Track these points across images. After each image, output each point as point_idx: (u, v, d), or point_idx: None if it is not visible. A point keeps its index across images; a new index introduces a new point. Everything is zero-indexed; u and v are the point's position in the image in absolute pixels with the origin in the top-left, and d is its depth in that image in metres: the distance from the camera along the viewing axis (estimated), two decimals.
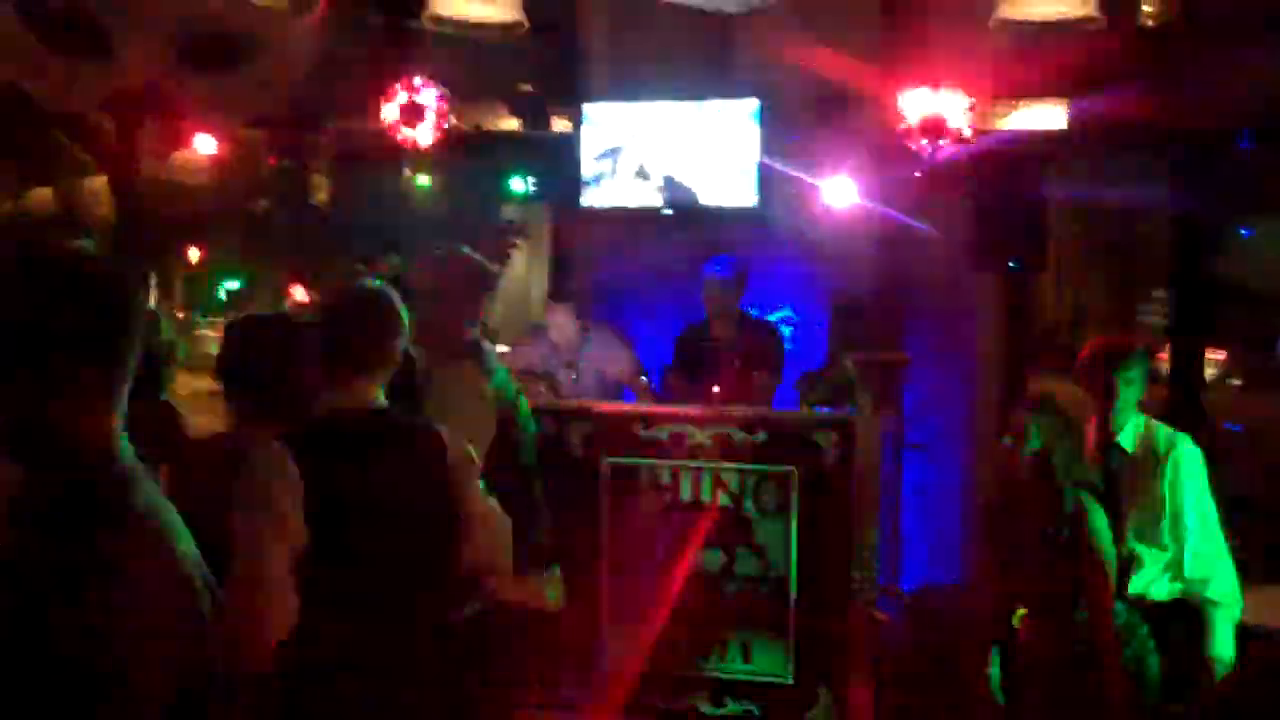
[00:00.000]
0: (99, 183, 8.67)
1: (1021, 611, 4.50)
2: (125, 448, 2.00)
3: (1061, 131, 6.66)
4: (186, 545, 2.01)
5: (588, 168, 7.47)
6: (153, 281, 8.83)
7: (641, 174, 7.42)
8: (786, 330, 7.47)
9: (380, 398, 3.21)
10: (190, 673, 1.92)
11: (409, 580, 3.11)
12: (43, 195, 9.21)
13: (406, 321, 3.29)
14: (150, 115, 7.72)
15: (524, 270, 8.66)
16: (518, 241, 8.35)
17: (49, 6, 6.96)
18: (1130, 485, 4.67)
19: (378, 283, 3.38)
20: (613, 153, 7.47)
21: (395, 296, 3.29)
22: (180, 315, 8.86)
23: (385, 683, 3.05)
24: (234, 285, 9.74)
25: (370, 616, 3.04)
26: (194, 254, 9.56)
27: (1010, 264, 6.78)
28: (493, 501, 3.37)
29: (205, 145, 8.25)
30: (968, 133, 6.50)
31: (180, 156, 9.45)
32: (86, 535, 1.87)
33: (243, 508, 2.95)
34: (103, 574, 1.84)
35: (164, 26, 7.15)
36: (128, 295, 2.02)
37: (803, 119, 7.24)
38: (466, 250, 4.51)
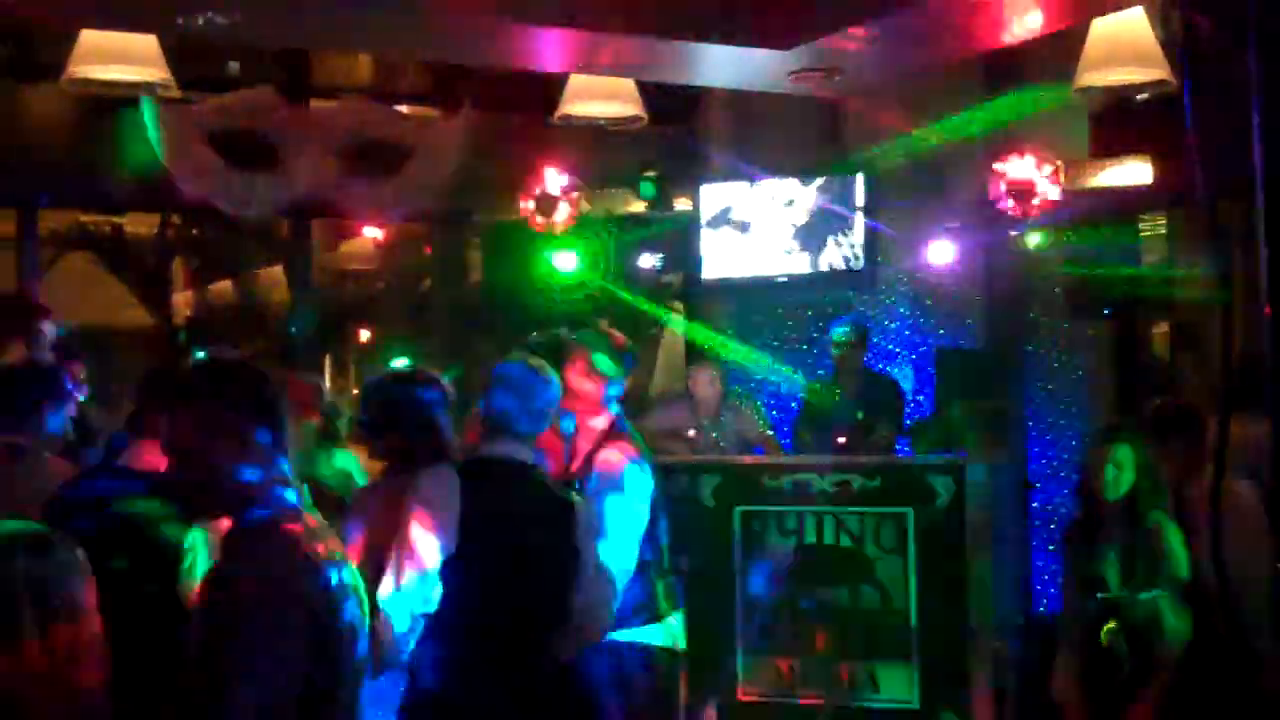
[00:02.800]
0: (276, 273, 9.56)
1: (1111, 624, 4.89)
2: (290, 494, 2.65)
3: (1149, 187, 7.07)
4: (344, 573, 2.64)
5: (707, 243, 8.07)
6: (327, 361, 9.73)
7: (757, 246, 7.99)
8: (907, 381, 8.01)
9: (529, 455, 3.85)
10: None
11: (524, 604, 3.72)
12: (223, 288, 10.15)
13: (557, 393, 3.93)
14: (318, 217, 8.58)
15: (678, 335, 9.28)
16: (677, 306, 8.99)
17: (231, 131, 7.81)
18: None
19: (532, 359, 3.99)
20: (729, 228, 8.05)
21: (548, 371, 3.92)
22: (355, 392, 9.63)
23: (491, 688, 3.65)
24: (403, 362, 10.50)
25: (488, 629, 3.66)
26: (365, 334, 10.37)
27: (1105, 312, 7.23)
28: (609, 564, 3.99)
29: (373, 233, 9.09)
30: (1055, 194, 6.98)
31: (349, 245, 10.37)
32: (260, 560, 2.52)
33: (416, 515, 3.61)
34: (265, 584, 2.48)
35: (327, 140, 7.96)
36: (274, 389, 2.71)
37: (907, 186, 7.78)
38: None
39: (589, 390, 4.57)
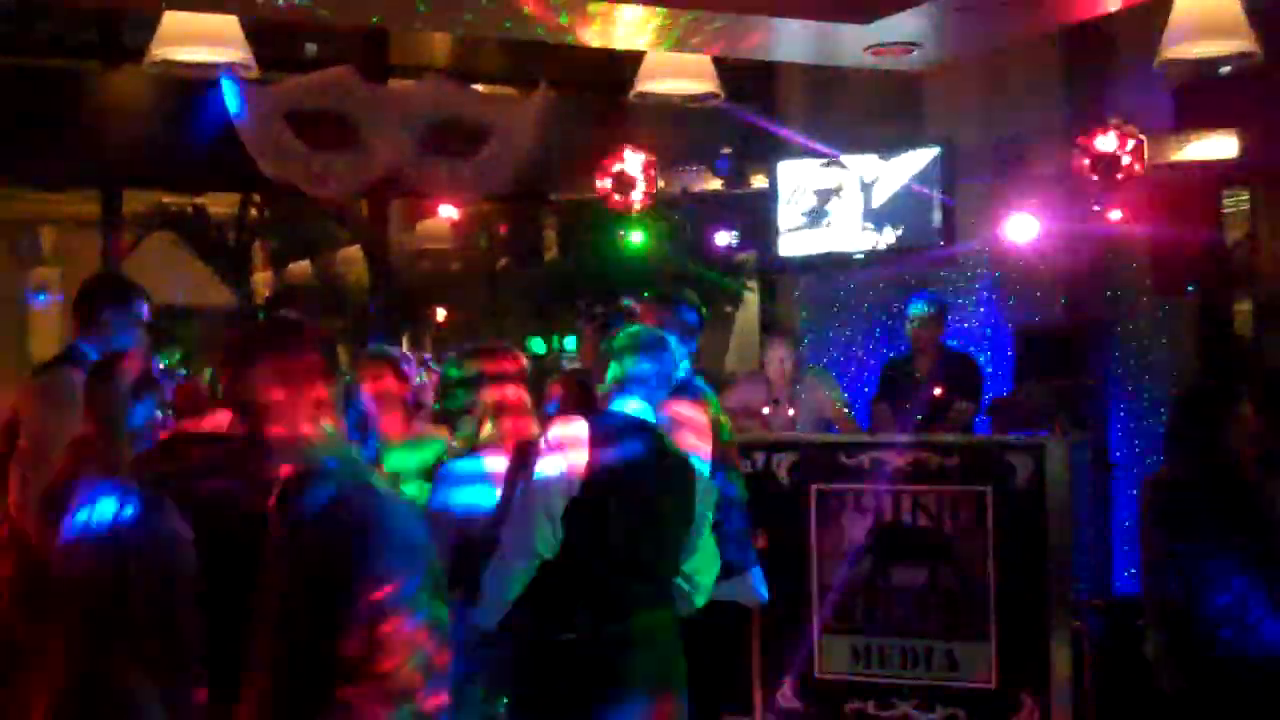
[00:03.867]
0: (353, 253, 9.65)
1: None
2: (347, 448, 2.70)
3: (1234, 160, 6.96)
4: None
5: (784, 220, 8.03)
6: (405, 338, 9.81)
7: (834, 222, 7.95)
8: (985, 359, 7.94)
9: (653, 416, 3.87)
10: None
11: (644, 562, 3.75)
12: (301, 267, 10.27)
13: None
14: (396, 196, 8.65)
15: (755, 311, 9.27)
16: (750, 284, 8.98)
17: (310, 111, 7.88)
18: None
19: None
20: (804, 204, 8.02)
21: (669, 342, 3.97)
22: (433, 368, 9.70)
23: (624, 645, 3.66)
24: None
25: (616, 587, 3.69)
26: (441, 313, 10.45)
27: (1189, 288, 7.12)
28: (708, 531, 4.00)
29: (449, 212, 9.14)
30: (1138, 168, 6.88)
31: (425, 225, 10.44)
32: (308, 506, 2.57)
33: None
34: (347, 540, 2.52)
35: (406, 119, 8.02)
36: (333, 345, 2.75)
37: (986, 161, 7.71)
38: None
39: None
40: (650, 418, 3.86)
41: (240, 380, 2.68)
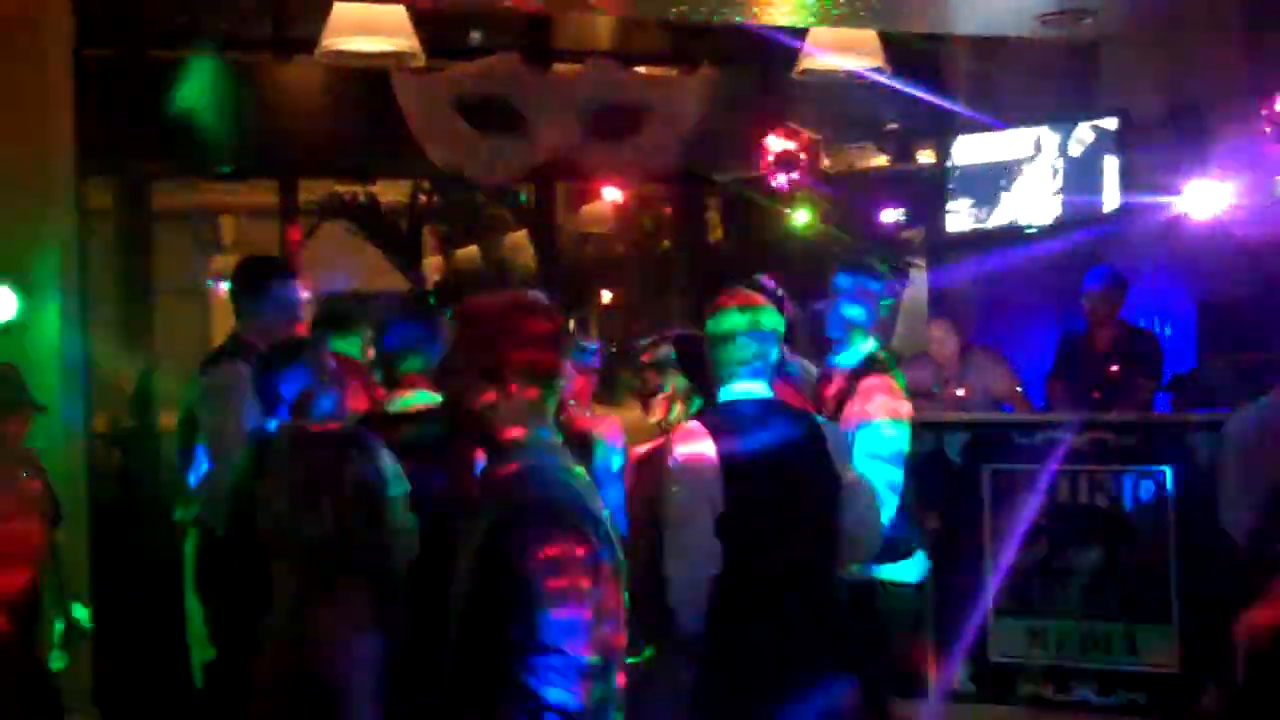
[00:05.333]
0: (520, 237, 9.75)
1: None
2: (547, 437, 2.69)
3: None
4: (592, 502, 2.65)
5: (953, 195, 7.88)
6: (571, 323, 9.88)
7: (1005, 196, 7.78)
8: (1169, 335, 7.69)
9: (765, 390, 3.84)
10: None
11: (806, 535, 3.72)
12: (469, 253, 10.41)
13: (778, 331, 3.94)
14: (561, 180, 8.72)
15: (924, 290, 9.13)
16: (916, 262, 8.86)
17: (477, 98, 7.99)
18: None
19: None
20: (975, 179, 7.85)
21: (776, 313, 3.94)
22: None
23: (794, 626, 3.65)
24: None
25: (778, 566, 3.66)
26: (606, 295, 10.49)
27: None
28: (866, 478, 3.97)
29: (613, 195, 9.17)
30: None
31: (590, 209, 10.51)
32: (516, 495, 2.57)
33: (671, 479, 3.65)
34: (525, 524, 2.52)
35: (570, 103, 8.08)
36: (562, 326, 2.75)
37: (1165, 131, 7.45)
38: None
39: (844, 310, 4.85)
40: (764, 394, 3.80)
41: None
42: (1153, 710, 6.03)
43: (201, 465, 4.65)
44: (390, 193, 8.96)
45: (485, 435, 2.69)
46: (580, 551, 2.48)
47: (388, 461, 4.09)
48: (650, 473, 3.95)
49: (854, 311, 4.88)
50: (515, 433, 2.65)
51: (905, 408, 4.69)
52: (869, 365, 4.77)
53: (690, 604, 3.58)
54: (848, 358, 4.90)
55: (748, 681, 3.59)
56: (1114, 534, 6.15)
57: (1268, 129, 6.83)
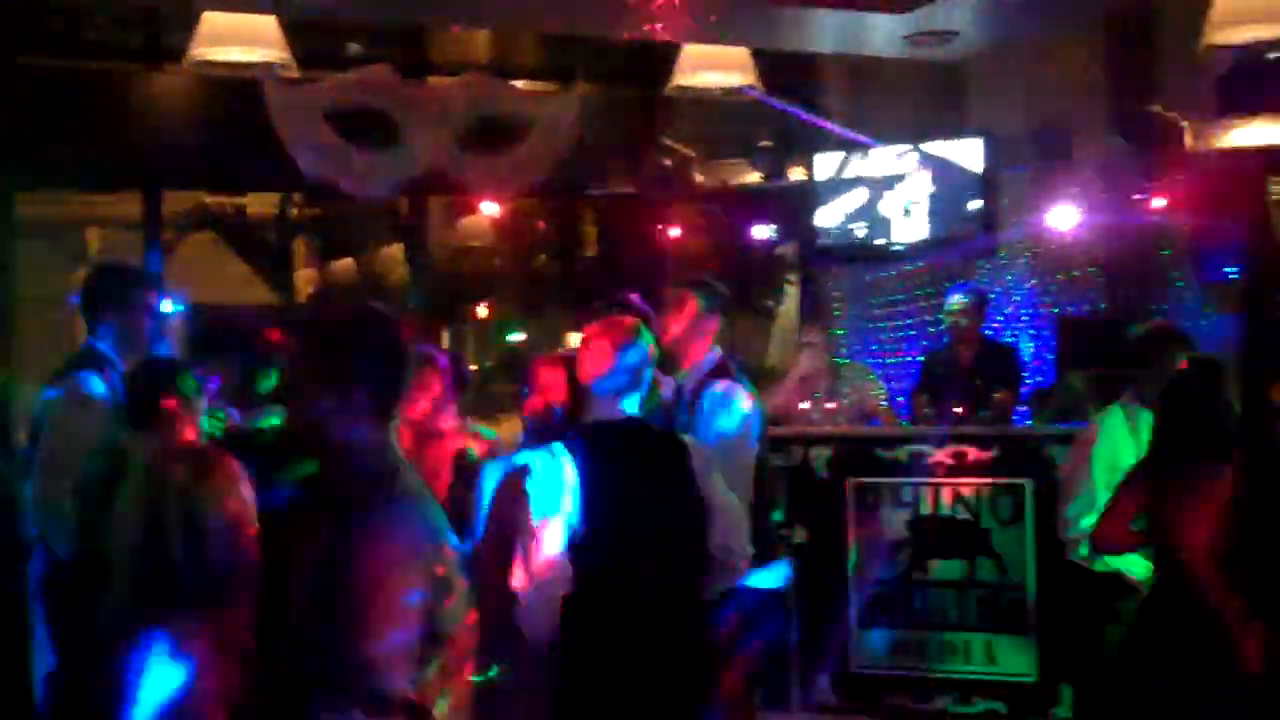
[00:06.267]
0: (395, 251, 9.69)
1: None
2: (394, 450, 2.66)
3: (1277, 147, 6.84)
4: (439, 523, 2.62)
5: (823, 212, 7.98)
6: (446, 334, 9.85)
7: (874, 214, 7.90)
8: (1031, 350, 7.86)
9: (632, 409, 3.85)
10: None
11: (669, 556, 3.73)
12: (345, 264, 10.33)
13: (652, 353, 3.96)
14: (436, 194, 8.66)
15: (795, 305, 9.23)
16: (791, 277, 8.94)
17: (350, 110, 7.91)
18: None
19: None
20: (844, 197, 7.96)
21: (644, 332, 3.95)
22: (473, 367, 9.75)
23: (653, 646, 3.66)
24: (518, 336, 10.61)
25: (638, 590, 3.67)
26: (482, 310, 10.48)
27: (1232, 275, 7.01)
28: (731, 494, 4.00)
29: (490, 209, 9.15)
30: (1186, 154, 6.78)
31: (467, 222, 10.47)
32: (358, 510, 2.53)
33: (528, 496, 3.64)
34: (366, 538, 2.48)
35: (445, 116, 8.03)
36: (402, 342, 2.73)
37: (1028, 150, 7.62)
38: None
39: (690, 331, 4.85)
40: (632, 415, 3.83)
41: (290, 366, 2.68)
42: (1011, 718, 6.13)
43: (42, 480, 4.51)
44: (260, 205, 8.85)
45: (327, 450, 2.66)
46: (418, 567, 2.48)
47: (244, 486, 4.03)
48: (510, 489, 3.94)
49: (693, 329, 4.94)
50: (357, 447, 2.62)
51: (748, 407, 4.72)
52: (713, 373, 4.81)
53: (540, 623, 3.58)
54: (693, 373, 4.95)
55: (603, 703, 3.59)
56: (974, 545, 6.25)
57: (1126, 150, 7.03)
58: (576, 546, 3.60)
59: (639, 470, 3.74)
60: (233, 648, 3.84)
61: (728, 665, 4.42)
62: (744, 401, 4.69)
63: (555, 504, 3.62)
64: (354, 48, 8.94)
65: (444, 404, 4.77)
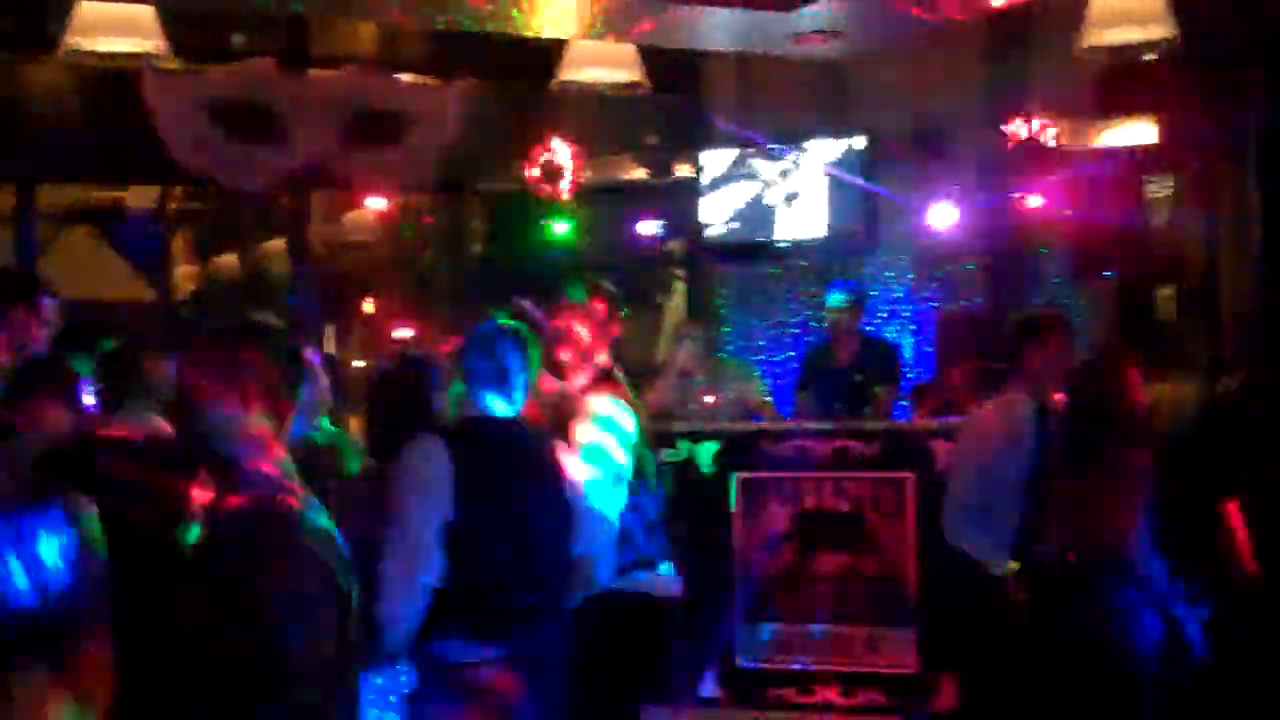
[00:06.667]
0: (277, 246, 9.55)
1: None
2: (288, 466, 2.62)
3: (1155, 147, 7.01)
4: (332, 541, 2.60)
5: (709, 209, 8.02)
6: (330, 331, 9.73)
7: (758, 211, 7.95)
8: (911, 346, 7.97)
9: (509, 410, 3.84)
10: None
11: (534, 560, 3.73)
12: (228, 260, 10.17)
13: (535, 354, 3.94)
14: (318, 188, 8.56)
15: (681, 301, 9.26)
16: (679, 273, 8.97)
17: (230, 102, 7.79)
18: None
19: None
20: (729, 194, 8.01)
21: (523, 333, 3.94)
22: (361, 364, 9.62)
23: (515, 645, 3.65)
24: (405, 333, 10.49)
25: (499, 588, 3.65)
26: (368, 305, 10.35)
27: (1106, 274, 7.17)
28: (599, 504, 4.00)
29: (375, 204, 9.06)
30: (1059, 155, 6.93)
31: (351, 217, 10.35)
32: (254, 533, 2.48)
33: (401, 487, 3.62)
34: (268, 556, 2.45)
35: (327, 110, 7.94)
36: (297, 355, 2.70)
37: (910, 149, 7.73)
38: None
39: (578, 338, 4.73)
40: (510, 412, 3.83)
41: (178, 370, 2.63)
42: (893, 709, 6.20)
43: None
44: (139, 199, 8.67)
45: (215, 463, 2.62)
46: (312, 580, 2.46)
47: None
48: (380, 483, 3.90)
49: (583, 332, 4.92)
50: (247, 459, 2.58)
51: (628, 421, 4.71)
52: (598, 381, 4.79)
53: (401, 615, 3.55)
54: (579, 377, 4.92)
55: (467, 701, 3.57)
56: (857, 539, 6.31)
57: (1005, 150, 7.16)
58: (446, 541, 3.58)
59: (510, 470, 3.73)
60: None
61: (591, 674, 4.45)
62: (624, 410, 4.68)
63: (429, 497, 3.59)
64: (237, 39, 8.80)
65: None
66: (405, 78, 8.57)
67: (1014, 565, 5.06)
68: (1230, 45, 6.61)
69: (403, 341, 8.69)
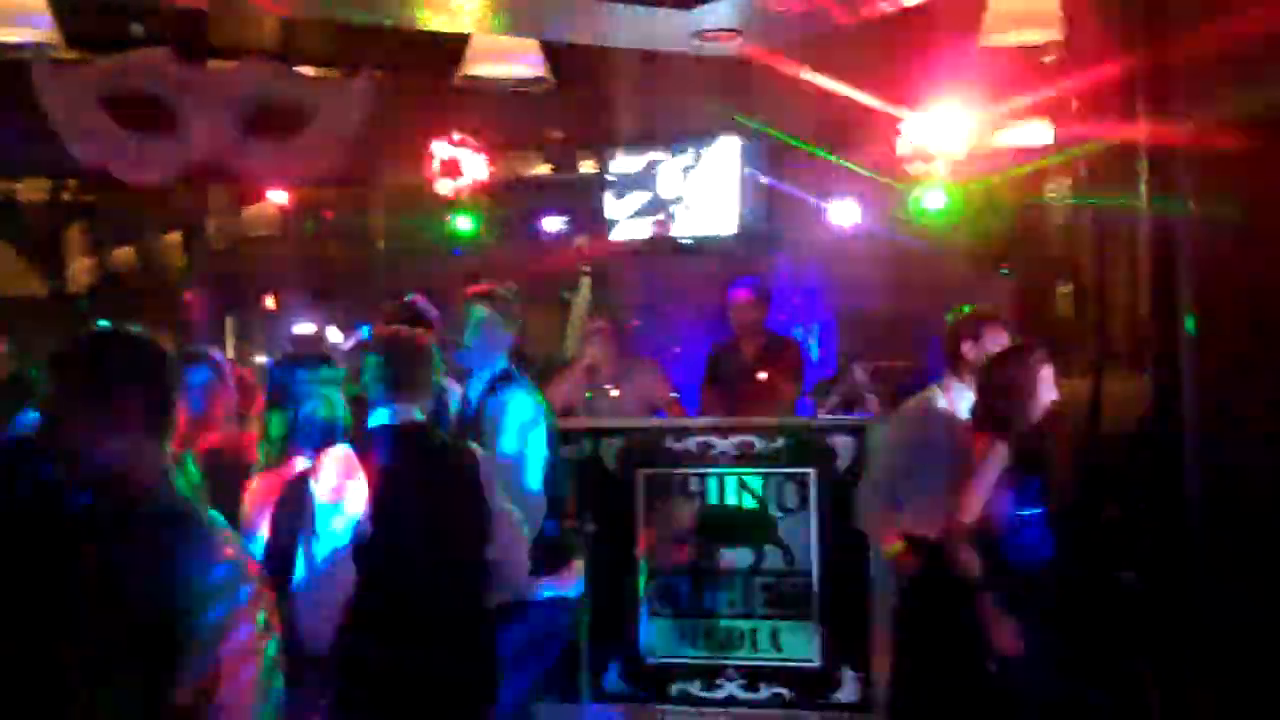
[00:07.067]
0: (174, 240, 9.41)
1: None
2: (170, 473, 2.55)
3: (1050, 147, 7.12)
4: (228, 540, 2.54)
5: (611, 206, 8.03)
6: (230, 326, 9.61)
7: (661, 209, 7.98)
8: (815, 344, 8.04)
9: (419, 416, 3.82)
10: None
11: (449, 566, 3.73)
12: (125, 254, 9.98)
13: (435, 356, 3.93)
14: (216, 181, 8.44)
15: (589, 297, 9.23)
16: (587, 268, 8.94)
17: (125, 93, 7.65)
18: None
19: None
20: (634, 191, 8.02)
21: (428, 338, 3.92)
22: (261, 359, 9.49)
23: (428, 654, 3.65)
24: (308, 329, 10.35)
25: (416, 596, 3.66)
26: (270, 300, 10.21)
27: (1002, 271, 7.28)
28: (514, 507, 3.99)
29: (276, 198, 8.95)
30: (960, 153, 7.01)
31: (252, 211, 10.22)
32: (132, 537, 2.42)
33: (315, 495, 3.58)
34: (152, 562, 2.38)
35: (226, 102, 7.82)
36: (170, 368, 2.64)
37: (813, 147, 7.78)
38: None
39: (482, 338, 4.84)
40: (418, 419, 3.81)
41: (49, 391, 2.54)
42: (796, 703, 6.26)
43: None
44: (31, 191, 8.48)
45: (94, 479, 2.53)
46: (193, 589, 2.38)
47: None
48: (295, 492, 3.85)
49: (482, 339, 4.94)
50: (131, 473, 2.50)
51: (531, 415, 4.72)
52: (497, 382, 4.80)
53: (318, 627, 3.52)
54: (480, 379, 4.93)
55: (380, 708, 3.55)
56: (761, 534, 6.36)
57: (906, 147, 7.23)
58: (359, 548, 3.55)
59: (423, 476, 3.72)
60: None
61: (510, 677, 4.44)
62: (528, 410, 4.69)
63: (340, 505, 3.56)
64: (134, 29, 8.63)
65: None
66: (306, 70, 8.48)
67: (899, 545, 5.16)
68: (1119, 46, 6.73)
69: (303, 338, 8.59)
